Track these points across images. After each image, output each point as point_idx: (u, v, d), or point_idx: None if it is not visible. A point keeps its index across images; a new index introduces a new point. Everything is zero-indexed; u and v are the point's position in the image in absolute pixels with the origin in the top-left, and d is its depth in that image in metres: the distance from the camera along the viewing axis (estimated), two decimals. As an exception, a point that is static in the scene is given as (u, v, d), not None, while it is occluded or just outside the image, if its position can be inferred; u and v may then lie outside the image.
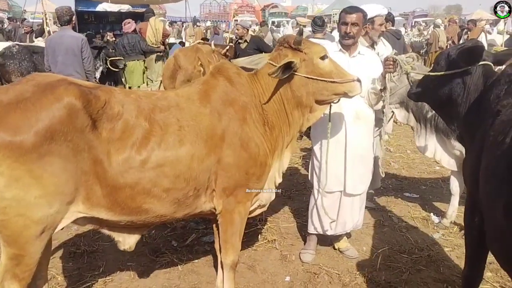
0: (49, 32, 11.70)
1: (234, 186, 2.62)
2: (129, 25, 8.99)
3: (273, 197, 3.02)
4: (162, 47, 8.68)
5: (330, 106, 3.12)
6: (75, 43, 5.61)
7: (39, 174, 2.10)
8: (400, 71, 3.01)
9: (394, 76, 3.06)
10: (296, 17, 28.14)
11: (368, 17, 4.17)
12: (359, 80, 2.82)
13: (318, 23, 6.68)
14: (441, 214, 4.52)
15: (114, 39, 11.85)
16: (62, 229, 2.38)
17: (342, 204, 3.49)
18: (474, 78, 2.64)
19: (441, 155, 4.20)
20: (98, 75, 8.52)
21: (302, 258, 3.65)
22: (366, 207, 4.50)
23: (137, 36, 8.71)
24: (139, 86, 8.61)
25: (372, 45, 4.43)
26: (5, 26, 15.03)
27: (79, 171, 2.21)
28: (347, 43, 3.29)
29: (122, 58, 8.12)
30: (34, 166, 2.08)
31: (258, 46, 7.89)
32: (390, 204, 4.87)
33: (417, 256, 3.73)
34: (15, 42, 9.32)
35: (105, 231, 2.59)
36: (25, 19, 15.39)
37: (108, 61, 8.24)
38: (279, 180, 2.98)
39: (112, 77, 8.35)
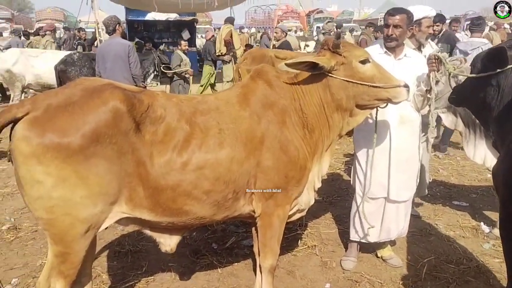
0: (100, 41, 12.24)
1: (273, 189, 2.61)
2: (208, 33, 10.80)
3: (312, 202, 2.99)
4: (227, 56, 8.93)
5: (377, 111, 3.06)
6: (123, 50, 5.83)
7: (85, 175, 2.17)
8: (444, 70, 2.91)
9: (438, 75, 2.95)
10: (342, 23, 27.86)
11: (415, 18, 4.06)
12: (406, 86, 2.74)
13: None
14: (492, 223, 4.31)
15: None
16: (106, 228, 2.46)
17: (386, 210, 3.40)
18: (508, 80, 2.52)
19: (491, 162, 3.99)
20: (149, 80, 8.96)
21: (343, 266, 3.58)
22: (412, 215, 4.37)
23: (210, 43, 9.62)
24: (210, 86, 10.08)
25: (419, 47, 4.30)
26: (61, 36, 15.79)
27: (123, 173, 2.28)
28: (390, 46, 3.21)
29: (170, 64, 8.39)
30: (81, 167, 2.16)
31: None
32: (438, 212, 4.70)
33: (465, 266, 3.57)
34: (77, 50, 9.87)
35: (147, 232, 2.66)
36: (81, 28, 16.11)
37: (161, 67, 8.69)
38: (318, 184, 2.94)
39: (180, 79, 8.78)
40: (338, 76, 2.67)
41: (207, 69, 10.47)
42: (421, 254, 3.79)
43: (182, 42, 9.03)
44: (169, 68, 8.45)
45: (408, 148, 3.34)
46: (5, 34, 19.76)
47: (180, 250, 3.56)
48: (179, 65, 8.49)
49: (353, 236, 3.56)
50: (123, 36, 6.35)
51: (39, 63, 9.22)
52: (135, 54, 6.02)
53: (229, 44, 9.08)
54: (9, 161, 2.25)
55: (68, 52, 9.14)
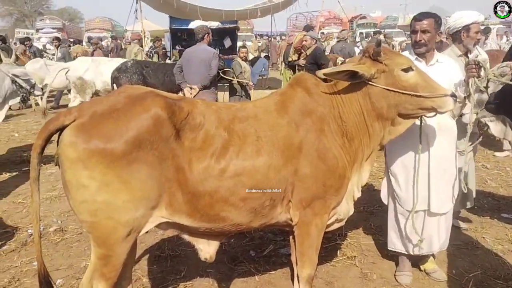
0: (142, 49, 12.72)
1: (311, 197, 2.59)
2: (290, 37, 11.16)
3: (352, 212, 2.93)
4: (301, 61, 9.00)
5: (421, 121, 2.97)
6: (207, 56, 6.42)
7: (127, 180, 2.23)
8: (484, 75, 2.79)
9: (478, 81, 2.84)
10: (386, 28, 27.39)
11: (464, 24, 3.95)
12: (453, 96, 2.65)
13: None
14: (544, 238, 4.08)
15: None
16: (147, 232, 2.52)
17: (426, 223, 3.28)
18: None
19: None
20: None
21: (400, 281, 3.46)
22: (457, 228, 4.20)
23: (290, 48, 9.79)
24: None
25: (466, 53, 4.15)
26: (109, 44, 16.43)
27: (163, 178, 2.32)
28: (420, 52, 3.12)
29: (230, 69, 8.47)
30: (123, 172, 2.22)
31: (315, 60, 7.92)
32: (485, 225, 4.49)
33: (514, 283, 3.38)
34: (132, 58, 10.28)
35: (186, 237, 2.69)
36: (157, 37, 16.72)
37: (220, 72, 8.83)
38: (358, 194, 2.88)
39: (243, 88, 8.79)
40: (379, 85, 2.62)
41: (287, 73, 10.64)
42: (466, 268, 3.63)
43: (242, 49, 9.10)
44: (225, 73, 8.27)
45: (448, 158, 3.23)
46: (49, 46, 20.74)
47: (218, 256, 3.55)
48: (241, 73, 8.49)
49: (392, 246, 3.46)
50: (209, 44, 6.85)
51: (108, 71, 9.65)
52: (216, 60, 6.56)
53: (300, 50, 9.22)
54: (56, 165, 2.34)
55: (124, 60, 9.60)
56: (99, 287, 2.39)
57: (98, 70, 9.78)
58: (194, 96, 6.32)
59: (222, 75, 8.10)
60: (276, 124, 2.56)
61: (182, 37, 18.72)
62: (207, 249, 2.72)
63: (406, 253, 3.41)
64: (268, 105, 2.67)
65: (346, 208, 2.85)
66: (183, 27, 18.27)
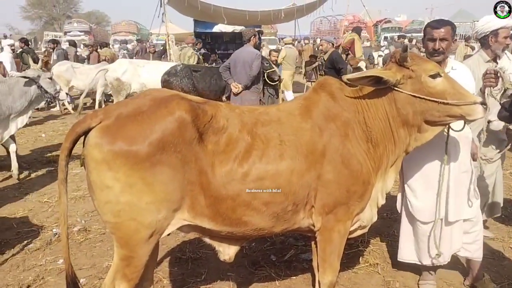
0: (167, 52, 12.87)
1: (334, 203, 2.55)
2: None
3: (375, 219, 2.88)
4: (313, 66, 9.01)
5: (449, 131, 2.91)
6: (250, 57, 6.80)
7: (151, 182, 2.24)
8: (501, 85, 2.72)
9: (494, 91, 2.76)
10: (411, 33, 27.01)
11: (492, 29, 3.87)
12: (483, 103, 2.58)
13: None
14: None
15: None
16: (168, 234, 2.52)
17: (441, 232, 3.21)
18: None
19: None
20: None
21: None
22: (485, 237, 4.08)
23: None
24: None
25: (495, 59, 4.05)
26: (135, 47, 16.71)
27: (186, 181, 2.33)
28: (437, 60, 3.03)
29: (276, 70, 8.50)
30: (147, 174, 2.23)
31: (332, 64, 7.87)
32: (513, 235, 4.36)
33: (543, 295, 3.27)
34: (180, 62, 10.46)
35: (207, 240, 2.69)
36: (148, 40, 16.96)
37: (265, 74, 8.88)
38: (382, 201, 2.84)
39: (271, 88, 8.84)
40: (404, 91, 2.58)
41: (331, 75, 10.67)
42: (493, 279, 3.51)
43: (274, 52, 9.11)
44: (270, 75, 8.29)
45: (466, 167, 3.16)
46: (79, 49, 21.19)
47: (239, 260, 3.58)
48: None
49: (403, 258, 3.40)
50: (256, 46, 7.23)
51: (144, 73, 10.01)
52: (258, 61, 6.94)
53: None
54: (81, 166, 2.38)
55: (174, 64, 9.82)
56: (121, 288, 2.42)
57: (136, 72, 10.03)
58: (238, 94, 6.87)
59: (266, 78, 8.17)
60: (299, 129, 2.54)
61: (206, 40, 18.93)
62: (227, 251, 2.71)
63: (419, 263, 3.34)
64: (291, 109, 2.65)
65: (369, 215, 2.80)
66: (207, 31, 18.48)
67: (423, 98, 2.54)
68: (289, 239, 4.21)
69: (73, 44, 15.52)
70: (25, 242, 4.28)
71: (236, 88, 6.84)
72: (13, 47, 12.18)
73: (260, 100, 7.35)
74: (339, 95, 2.67)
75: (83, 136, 2.31)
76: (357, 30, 12.34)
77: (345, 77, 2.65)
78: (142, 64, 10.43)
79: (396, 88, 2.59)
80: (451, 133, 3.01)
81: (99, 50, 14.90)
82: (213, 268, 3.74)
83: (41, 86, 6.21)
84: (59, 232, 4.40)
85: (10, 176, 6.39)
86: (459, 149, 3.11)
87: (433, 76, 2.56)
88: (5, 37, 24.39)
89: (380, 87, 2.59)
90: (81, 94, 11.43)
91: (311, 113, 2.60)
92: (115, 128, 2.23)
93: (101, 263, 3.86)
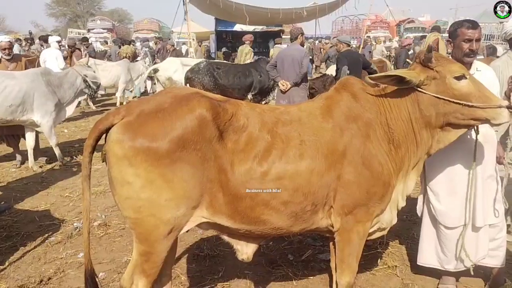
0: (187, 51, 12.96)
1: (353, 204, 2.53)
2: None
3: (395, 221, 2.84)
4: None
5: (477, 134, 2.85)
6: (299, 54, 6.88)
7: (170, 179, 2.26)
8: None
9: None
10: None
11: None
12: (509, 107, 2.52)
13: None
14: None
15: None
16: (187, 231, 2.54)
17: (466, 237, 3.14)
18: None
19: None
20: (276, 92, 9.31)
21: None
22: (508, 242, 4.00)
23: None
24: None
25: None
26: (156, 45, 16.84)
27: (205, 179, 2.33)
28: (471, 61, 2.98)
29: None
30: (167, 171, 2.25)
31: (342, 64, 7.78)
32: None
33: None
34: (203, 59, 10.55)
35: (225, 238, 2.70)
36: (169, 39, 17.06)
37: None
38: (402, 203, 2.79)
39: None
40: (428, 92, 2.54)
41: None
42: (515, 285, 3.44)
43: None
44: None
45: (492, 170, 3.10)
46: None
47: (256, 258, 3.57)
48: None
49: (424, 262, 3.35)
50: (302, 44, 7.35)
51: None
52: (307, 59, 7.08)
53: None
54: (103, 161, 2.42)
55: (206, 61, 9.94)
56: (140, 283, 2.45)
57: (185, 71, 10.13)
58: (286, 91, 6.89)
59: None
60: (320, 128, 2.52)
61: (227, 39, 19.01)
62: (245, 250, 2.71)
63: (440, 268, 3.29)
64: (312, 109, 2.63)
65: (389, 217, 2.77)
66: (228, 29, 18.54)
67: (447, 100, 2.51)
68: (307, 239, 4.19)
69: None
70: (47, 235, 4.37)
71: (284, 85, 6.85)
72: (60, 43, 12.42)
73: (308, 97, 7.36)
74: (361, 95, 2.64)
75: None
76: (437, 29, 12.37)
77: (367, 77, 2.63)
78: (191, 63, 10.53)
79: (420, 89, 2.55)
80: (480, 138, 2.95)
81: (121, 47, 15.06)
82: (231, 266, 3.74)
83: (86, 80, 7.05)
84: (80, 226, 4.49)
85: (32, 170, 6.55)
86: (485, 153, 3.05)
87: (458, 78, 2.52)
88: (30, 33, 24.86)
89: (403, 87, 2.56)
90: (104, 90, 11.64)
91: (333, 113, 2.58)
92: (136, 125, 2.25)
93: (120, 258, 3.91)
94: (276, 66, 7.10)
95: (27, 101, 6.19)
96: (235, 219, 2.47)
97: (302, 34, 7.23)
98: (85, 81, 7.05)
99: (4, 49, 6.61)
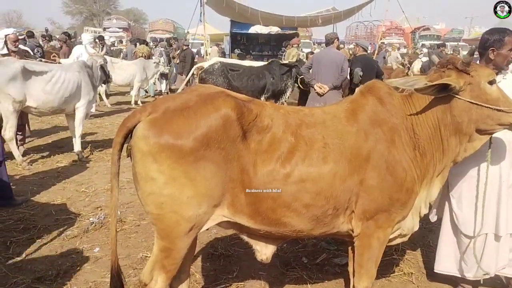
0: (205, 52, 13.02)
1: (375, 210, 2.51)
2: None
3: (416, 228, 2.82)
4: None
5: (491, 139, 2.83)
6: (339, 58, 6.90)
7: (193, 176, 2.27)
8: None
9: None
10: (450, 41, 26.38)
11: None
12: None
13: None
14: None
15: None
16: (207, 229, 2.55)
17: (486, 246, 3.11)
18: None
19: None
20: (288, 94, 9.56)
21: None
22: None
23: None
24: None
25: None
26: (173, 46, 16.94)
27: (227, 178, 2.34)
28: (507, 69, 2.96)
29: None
30: (190, 168, 2.25)
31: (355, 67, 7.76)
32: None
33: None
34: (220, 59, 10.61)
35: (244, 238, 2.70)
36: (185, 39, 17.16)
37: (298, 80, 9.06)
38: (424, 210, 2.77)
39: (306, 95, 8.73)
40: (464, 98, 2.51)
41: None
42: (533, 298, 3.40)
43: (310, 55, 9.13)
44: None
45: None
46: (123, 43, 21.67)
47: (271, 260, 3.57)
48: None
49: (442, 270, 3.32)
50: (337, 48, 7.46)
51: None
52: (347, 63, 7.08)
53: None
54: (128, 156, 2.43)
55: (221, 62, 9.94)
56: (159, 279, 2.46)
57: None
58: (323, 95, 6.75)
59: (299, 83, 8.12)
60: (344, 132, 2.51)
61: (242, 41, 19.04)
62: (264, 251, 2.71)
63: (459, 276, 3.26)
64: (337, 112, 2.62)
65: (410, 224, 2.75)
66: (243, 32, 18.57)
67: (482, 105, 2.49)
68: (321, 243, 4.18)
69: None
70: (63, 229, 4.41)
71: (321, 88, 6.81)
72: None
73: None
74: (387, 100, 2.62)
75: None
76: (444, 45, 12.35)
77: (417, 89, 2.52)
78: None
79: (457, 95, 2.51)
80: (499, 144, 2.92)
81: (137, 46, 15.18)
82: (245, 266, 3.75)
83: (104, 69, 7.65)
84: (96, 221, 4.53)
85: (49, 164, 6.63)
86: (508, 159, 3.02)
87: (491, 83, 2.51)
88: (46, 30, 25.15)
89: (443, 94, 2.50)
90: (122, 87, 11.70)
91: (357, 117, 2.57)
92: (162, 122, 2.26)
93: (136, 254, 3.93)
94: (310, 68, 7.10)
95: (77, 91, 6.82)
96: (256, 220, 2.47)
97: (338, 38, 7.35)
98: (103, 69, 7.60)
99: (15, 41, 7.08)
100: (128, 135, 2.36)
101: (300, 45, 11.94)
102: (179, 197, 2.28)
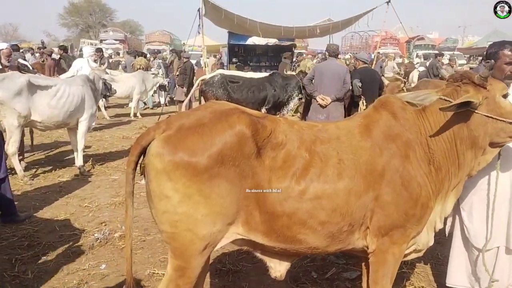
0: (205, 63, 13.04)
1: (390, 225, 2.49)
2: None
3: (431, 242, 2.80)
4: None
5: (500, 150, 2.83)
6: (342, 71, 6.97)
7: (208, 194, 2.24)
8: None
9: None
10: (444, 50, 26.60)
11: None
12: None
13: None
14: None
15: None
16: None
17: (499, 259, 3.09)
18: None
19: None
20: (292, 105, 9.57)
21: None
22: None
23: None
24: None
25: None
26: (169, 57, 16.99)
27: (242, 196, 2.31)
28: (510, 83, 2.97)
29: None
30: (204, 186, 2.23)
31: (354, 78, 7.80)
32: None
33: None
34: (221, 71, 10.63)
35: (258, 255, 2.67)
36: (184, 51, 17.22)
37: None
38: (439, 225, 2.76)
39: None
40: (481, 112, 2.51)
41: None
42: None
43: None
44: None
45: None
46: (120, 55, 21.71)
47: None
48: None
49: (454, 283, 3.30)
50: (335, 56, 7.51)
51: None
52: (349, 75, 7.09)
53: None
54: (141, 174, 2.41)
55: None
56: (176, 299, 2.42)
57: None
58: (326, 106, 6.80)
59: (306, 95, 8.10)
60: (359, 148, 2.50)
61: (239, 52, 19.11)
62: (278, 268, 2.68)
63: None
64: (351, 128, 2.61)
65: (426, 239, 2.73)
66: (240, 43, 18.65)
67: (497, 119, 2.49)
68: (330, 257, 4.14)
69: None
70: (68, 245, 4.36)
71: (323, 100, 6.84)
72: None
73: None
74: (401, 115, 2.61)
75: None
76: (441, 54, 12.44)
77: (442, 108, 2.50)
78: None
79: (476, 110, 2.50)
80: (508, 155, 2.92)
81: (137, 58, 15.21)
82: (254, 282, 3.71)
83: (106, 84, 7.77)
84: (101, 237, 4.48)
85: (52, 179, 6.58)
86: None
87: (505, 96, 2.53)
88: (42, 43, 25.17)
89: (462, 110, 2.49)
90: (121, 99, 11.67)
91: (371, 132, 2.55)
92: (176, 139, 2.25)
93: (142, 271, 3.89)
94: (312, 80, 7.10)
95: (81, 105, 6.90)
96: (271, 237, 2.44)
97: (336, 50, 7.39)
98: (104, 84, 7.74)
99: (8, 56, 7.12)
100: (142, 153, 2.34)
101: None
102: (193, 215, 2.25)
